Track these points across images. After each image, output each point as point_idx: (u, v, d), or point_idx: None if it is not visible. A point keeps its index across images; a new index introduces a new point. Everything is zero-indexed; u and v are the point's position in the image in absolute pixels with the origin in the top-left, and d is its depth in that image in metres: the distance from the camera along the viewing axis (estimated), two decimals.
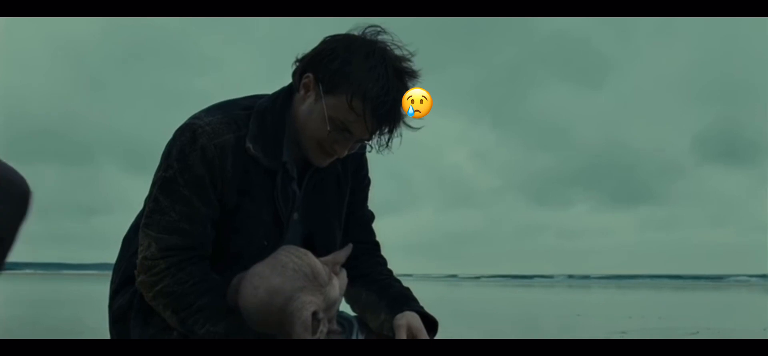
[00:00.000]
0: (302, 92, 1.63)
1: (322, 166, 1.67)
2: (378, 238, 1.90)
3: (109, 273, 1.78)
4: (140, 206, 1.71)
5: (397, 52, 1.60)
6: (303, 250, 1.55)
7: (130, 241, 1.73)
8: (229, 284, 1.56)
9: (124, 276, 1.70)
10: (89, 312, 11.29)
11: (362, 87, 1.54)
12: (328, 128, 1.58)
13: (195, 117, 1.62)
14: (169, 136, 1.63)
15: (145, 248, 1.58)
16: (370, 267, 1.82)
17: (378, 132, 1.60)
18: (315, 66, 1.60)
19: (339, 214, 1.78)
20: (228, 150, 1.58)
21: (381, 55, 1.58)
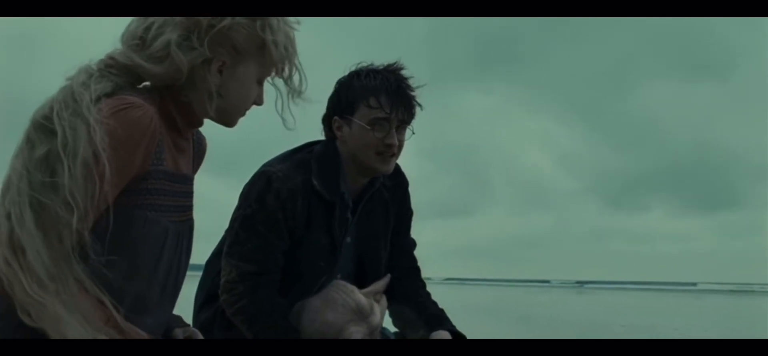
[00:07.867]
0: (338, 134, 2.01)
1: (389, 171, 2.02)
2: (419, 264, 2.23)
3: None
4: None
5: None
6: (350, 287, 1.91)
7: (211, 264, 2.11)
8: (291, 307, 1.93)
9: (209, 293, 2.07)
10: None
11: (367, 88, 1.96)
12: (369, 129, 1.94)
13: (268, 165, 1.99)
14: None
15: (228, 274, 1.95)
16: (411, 289, 2.16)
17: (399, 106, 1.95)
18: (333, 111, 2.02)
19: (386, 238, 2.14)
20: (297, 191, 1.95)
21: (362, 69, 2.01)
